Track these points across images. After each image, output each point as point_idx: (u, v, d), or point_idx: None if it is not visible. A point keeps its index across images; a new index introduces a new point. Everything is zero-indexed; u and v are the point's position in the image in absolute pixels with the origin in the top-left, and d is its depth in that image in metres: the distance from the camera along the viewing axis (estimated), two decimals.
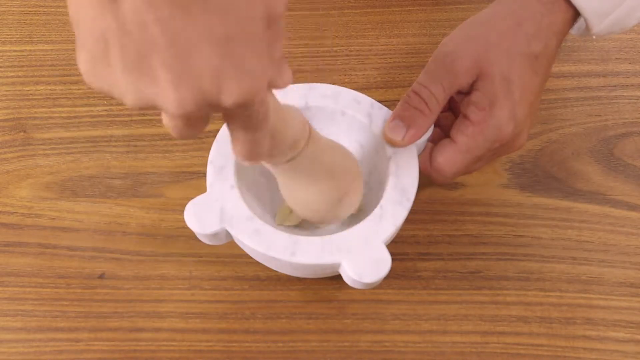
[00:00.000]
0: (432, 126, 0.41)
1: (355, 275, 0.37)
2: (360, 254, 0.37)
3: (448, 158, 0.40)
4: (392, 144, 0.40)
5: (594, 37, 0.43)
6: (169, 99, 0.23)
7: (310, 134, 0.35)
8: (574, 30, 0.43)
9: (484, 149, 0.40)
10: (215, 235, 0.38)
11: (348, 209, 0.42)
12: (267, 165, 0.36)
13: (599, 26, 0.41)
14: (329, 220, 0.42)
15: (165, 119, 0.26)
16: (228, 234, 0.39)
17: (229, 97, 0.24)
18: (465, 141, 0.40)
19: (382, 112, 0.42)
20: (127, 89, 0.24)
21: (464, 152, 0.40)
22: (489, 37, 0.40)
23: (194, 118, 0.25)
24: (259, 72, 0.25)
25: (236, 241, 0.40)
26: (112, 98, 0.24)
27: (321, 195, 0.39)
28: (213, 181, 0.39)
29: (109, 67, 0.23)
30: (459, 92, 0.41)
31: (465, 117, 0.40)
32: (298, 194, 0.40)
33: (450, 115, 0.43)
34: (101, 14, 0.22)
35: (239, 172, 0.41)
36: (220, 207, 0.38)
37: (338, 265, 0.38)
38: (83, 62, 0.24)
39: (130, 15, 0.22)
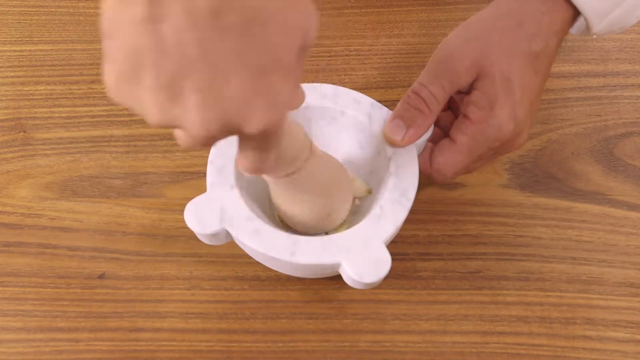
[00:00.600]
0: (432, 126, 0.41)
1: (355, 275, 0.37)
2: (360, 254, 0.37)
3: (448, 158, 0.40)
4: (392, 144, 0.40)
5: (594, 36, 0.43)
6: (194, 121, 0.23)
7: (312, 151, 0.36)
8: (573, 30, 0.43)
9: (484, 148, 0.40)
10: (215, 235, 0.38)
11: (334, 222, 0.42)
12: (265, 177, 0.37)
13: (598, 25, 0.41)
14: (313, 232, 0.43)
15: (178, 132, 0.26)
16: (228, 234, 0.39)
17: (253, 125, 0.24)
18: (466, 141, 0.40)
19: (382, 112, 0.42)
20: (152, 108, 0.24)
21: (464, 152, 0.40)
22: (489, 37, 0.40)
23: (211, 142, 0.25)
24: (287, 102, 0.25)
25: (236, 241, 0.40)
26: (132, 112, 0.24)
27: (312, 210, 0.40)
28: (213, 181, 0.39)
29: (136, 84, 0.23)
30: (459, 92, 0.41)
31: (465, 116, 0.40)
32: (290, 206, 0.40)
33: (450, 114, 0.43)
34: (140, 32, 0.22)
35: (239, 172, 0.41)
36: (220, 207, 0.38)
37: (338, 265, 0.38)
38: (110, 76, 0.24)
39: (170, 35, 0.22)
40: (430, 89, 0.39)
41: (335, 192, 0.41)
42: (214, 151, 0.40)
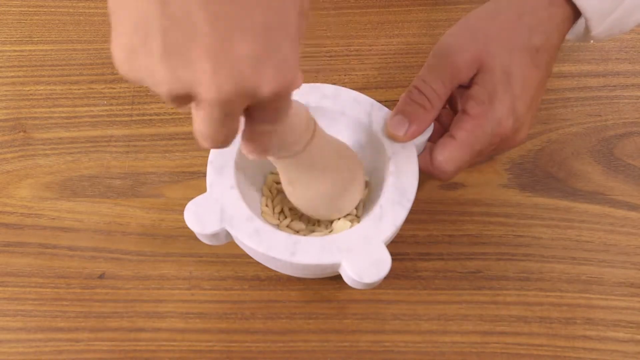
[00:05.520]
0: (433, 123, 0.41)
1: (355, 275, 0.37)
2: (360, 254, 0.37)
3: (448, 155, 0.40)
4: (394, 139, 0.40)
5: (591, 41, 0.43)
6: (208, 84, 0.23)
7: (315, 130, 0.36)
8: (571, 36, 0.43)
9: (484, 143, 0.40)
10: (215, 235, 0.38)
11: (349, 204, 0.42)
12: (271, 160, 0.37)
13: (598, 27, 0.41)
14: (329, 215, 0.42)
15: (196, 122, 0.26)
16: (228, 234, 0.39)
17: (268, 85, 0.24)
18: (465, 136, 0.39)
19: (382, 112, 0.42)
20: (164, 77, 0.24)
21: (463, 147, 0.40)
22: (489, 30, 0.40)
23: (228, 112, 0.25)
24: (294, 62, 0.25)
25: (236, 241, 0.40)
26: (142, 86, 0.24)
27: (322, 191, 0.40)
28: (213, 181, 0.39)
29: (146, 55, 0.24)
30: (460, 86, 0.41)
31: (465, 111, 0.40)
32: (300, 190, 0.40)
33: (451, 111, 0.43)
34: (144, 0, 0.23)
35: (239, 172, 0.41)
36: (220, 207, 0.38)
37: (338, 265, 0.38)
38: (120, 50, 0.24)
39: (175, 0, 0.23)
40: (431, 84, 0.39)
41: (343, 170, 0.41)
42: (214, 151, 0.40)
